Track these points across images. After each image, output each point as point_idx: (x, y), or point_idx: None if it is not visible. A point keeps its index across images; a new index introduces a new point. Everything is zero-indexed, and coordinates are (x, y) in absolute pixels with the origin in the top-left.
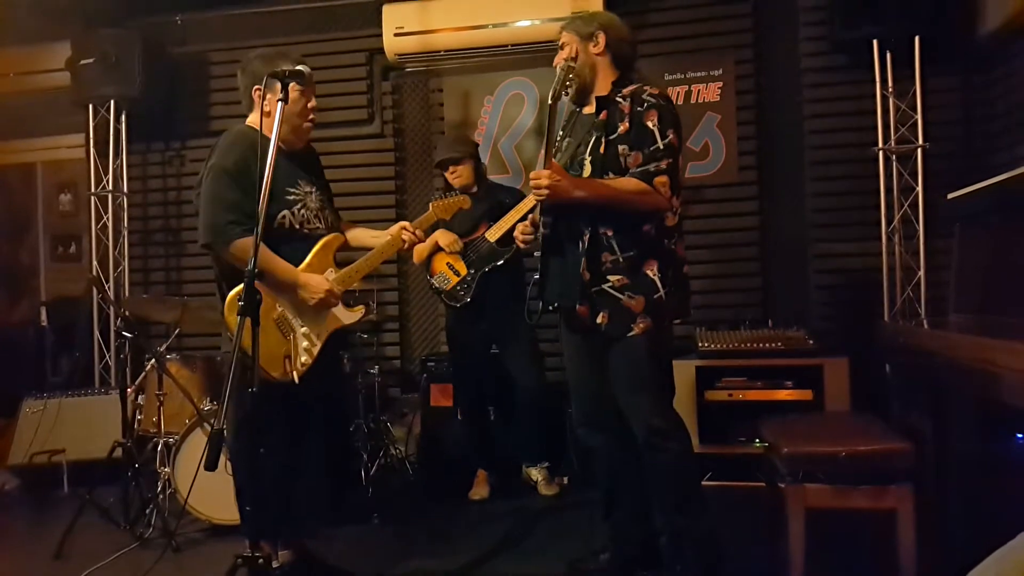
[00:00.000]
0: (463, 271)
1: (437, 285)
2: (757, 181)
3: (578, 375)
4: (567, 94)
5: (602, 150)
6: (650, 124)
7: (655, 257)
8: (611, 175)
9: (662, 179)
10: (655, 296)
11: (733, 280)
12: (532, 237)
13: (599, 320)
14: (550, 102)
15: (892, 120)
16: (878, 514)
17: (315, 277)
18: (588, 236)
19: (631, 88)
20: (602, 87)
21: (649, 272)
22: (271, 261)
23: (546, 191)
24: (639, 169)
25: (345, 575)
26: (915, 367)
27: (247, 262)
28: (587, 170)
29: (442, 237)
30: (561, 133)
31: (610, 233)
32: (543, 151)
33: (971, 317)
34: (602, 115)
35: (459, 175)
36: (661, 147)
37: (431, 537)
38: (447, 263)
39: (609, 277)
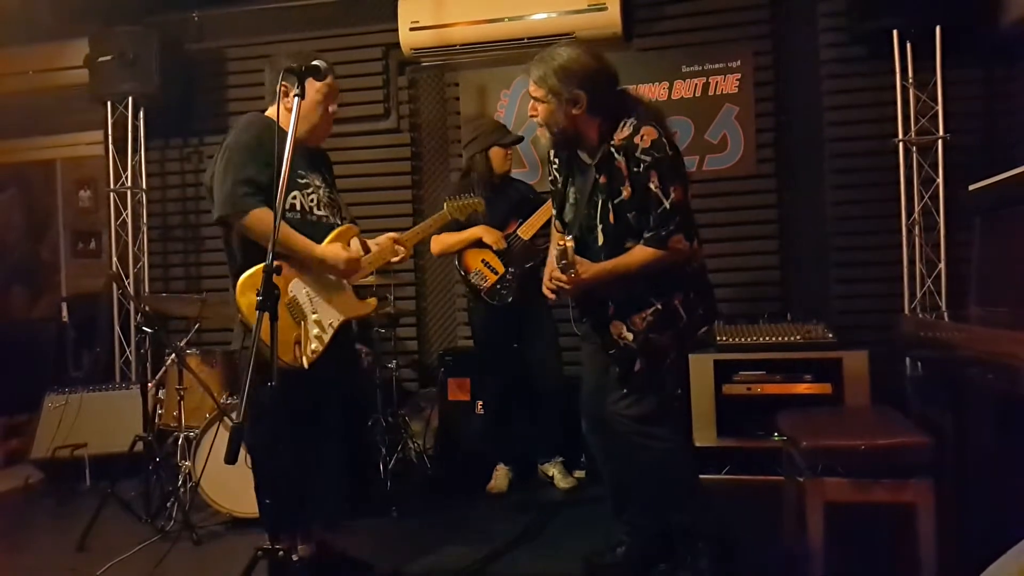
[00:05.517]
0: (500, 269)
1: (475, 282)
2: (776, 174)
3: (588, 374)
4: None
5: (611, 219)
6: (652, 187)
7: (681, 288)
8: (630, 243)
9: (676, 239)
10: (680, 324)
11: (752, 273)
12: (555, 296)
13: (636, 368)
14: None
15: (912, 111)
16: (898, 508)
17: (332, 247)
18: (616, 304)
19: (622, 136)
20: (591, 137)
21: (676, 302)
22: (289, 236)
23: (566, 291)
24: (651, 235)
25: (364, 568)
26: (935, 360)
27: (263, 235)
28: (601, 238)
29: (487, 235)
30: (561, 177)
31: (645, 291)
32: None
33: (992, 310)
34: (602, 179)
35: (511, 158)
36: (668, 207)
37: (449, 530)
38: (482, 260)
39: (651, 335)
